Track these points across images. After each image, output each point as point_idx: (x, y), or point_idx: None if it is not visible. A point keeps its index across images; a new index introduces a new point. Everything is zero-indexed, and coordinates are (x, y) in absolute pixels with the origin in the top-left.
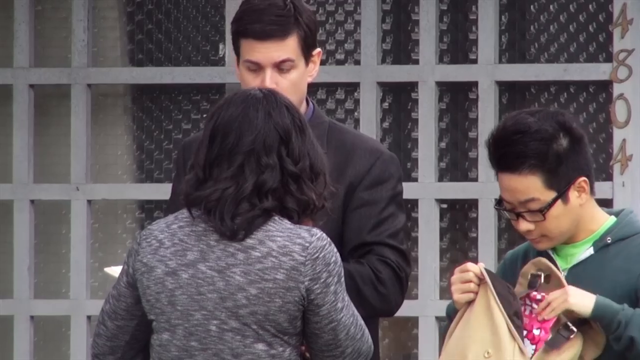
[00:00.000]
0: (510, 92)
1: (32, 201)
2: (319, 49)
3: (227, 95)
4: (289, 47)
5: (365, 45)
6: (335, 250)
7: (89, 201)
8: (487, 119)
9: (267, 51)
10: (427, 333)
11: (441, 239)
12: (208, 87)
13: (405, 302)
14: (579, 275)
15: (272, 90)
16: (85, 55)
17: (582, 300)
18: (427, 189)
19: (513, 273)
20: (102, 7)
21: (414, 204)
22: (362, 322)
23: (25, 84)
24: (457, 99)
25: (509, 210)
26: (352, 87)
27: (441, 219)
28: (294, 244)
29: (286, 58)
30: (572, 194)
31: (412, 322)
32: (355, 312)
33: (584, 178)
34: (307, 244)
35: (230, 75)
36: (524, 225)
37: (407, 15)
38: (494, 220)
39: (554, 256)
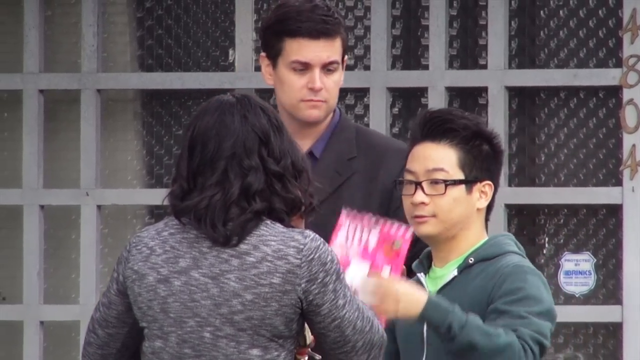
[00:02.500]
0: (520, 97)
1: (41, 206)
2: (346, 56)
3: (202, 105)
4: (336, 49)
5: (375, 51)
6: (330, 248)
7: (99, 206)
8: (497, 124)
9: (319, 50)
10: None
11: None
12: (218, 92)
13: None
14: (445, 298)
15: (245, 94)
16: (95, 61)
17: (409, 308)
18: None
19: None
20: (111, 13)
21: None
22: (370, 314)
23: (35, 89)
24: (467, 104)
25: (408, 182)
26: (361, 93)
27: None
28: (288, 247)
29: (334, 60)
30: (475, 192)
31: None
32: (361, 305)
33: (489, 183)
34: (301, 246)
35: (239, 81)
36: (420, 197)
37: (416, 20)
38: (504, 224)
39: (426, 279)
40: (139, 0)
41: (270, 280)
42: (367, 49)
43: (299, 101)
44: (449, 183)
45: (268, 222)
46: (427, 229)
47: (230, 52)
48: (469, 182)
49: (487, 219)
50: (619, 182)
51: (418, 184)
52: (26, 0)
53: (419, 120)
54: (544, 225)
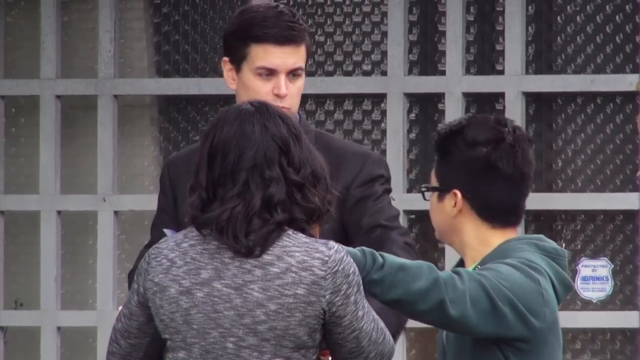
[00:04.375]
0: (537, 103)
1: (58, 212)
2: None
3: (219, 114)
4: (301, 55)
5: (392, 56)
6: (352, 260)
7: (116, 212)
8: None
9: (285, 57)
10: None
11: None
12: (234, 98)
13: None
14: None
15: (263, 102)
16: (111, 66)
17: None
18: None
19: None
20: (128, 18)
21: None
22: (383, 325)
23: (52, 95)
24: (484, 110)
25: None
26: (378, 98)
27: None
28: (313, 259)
29: (300, 66)
30: (449, 200)
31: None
32: (375, 316)
33: (456, 191)
34: (326, 258)
35: None
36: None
37: (433, 26)
38: (521, 230)
39: None
40: (156, 6)
41: (295, 291)
42: (384, 54)
43: None
44: (423, 190)
45: (290, 232)
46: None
47: None
48: (439, 190)
49: (489, 224)
50: (635, 188)
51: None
52: (43, 6)
53: None
54: (561, 231)
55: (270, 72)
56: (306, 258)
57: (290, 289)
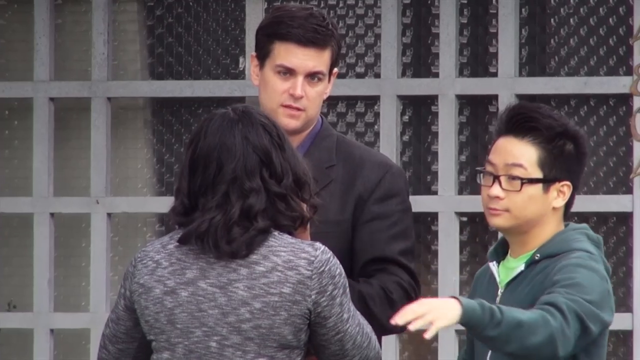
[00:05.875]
0: None
1: (52, 214)
2: (336, 69)
3: (203, 121)
4: (323, 59)
5: (385, 59)
6: (338, 262)
7: (109, 214)
8: None
9: (306, 58)
10: (446, 346)
11: (461, 252)
12: (228, 100)
13: None
14: (512, 291)
15: (246, 109)
16: (105, 69)
17: (448, 316)
18: (447, 202)
19: (475, 292)
20: (122, 21)
21: (433, 217)
22: (369, 330)
23: (46, 97)
24: (477, 112)
25: (488, 173)
26: (372, 101)
27: (461, 232)
28: (299, 259)
29: (320, 70)
30: (553, 191)
31: None
32: (362, 320)
33: (568, 183)
34: (312, 258)
35: (250, 89)
36: (496, 190)
37: (427, 28)
38: None
39: (498, 269)
40: (150, 9)
41: (281, 289)
42: (378, 56)
43: (279, 105)
44: (525, 181)
45: (276, 233)
46: (499, 222)
47: (241, 60)
48: (546, 182)
49: (567, 216)
50: (629, 190)
51: (496, 177)
52: (37, 9)
53: (505, 113)
54: None
55: (289, 72)
56: (292, 258)
57: (276, 288)
